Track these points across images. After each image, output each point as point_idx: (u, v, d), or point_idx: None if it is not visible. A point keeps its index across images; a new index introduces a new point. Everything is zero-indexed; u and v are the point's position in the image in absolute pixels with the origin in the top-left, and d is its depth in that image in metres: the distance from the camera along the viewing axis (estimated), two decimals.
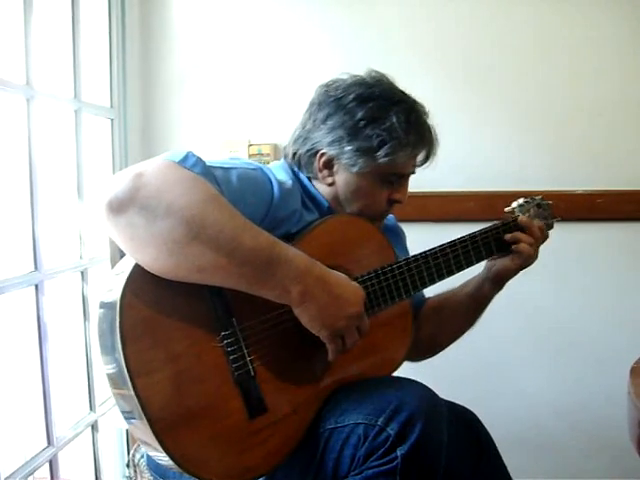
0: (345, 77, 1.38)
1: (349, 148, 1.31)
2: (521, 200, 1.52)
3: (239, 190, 1.18)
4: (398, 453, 1.12)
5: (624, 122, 2.21)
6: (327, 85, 1.38)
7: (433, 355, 1.57)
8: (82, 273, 1.90)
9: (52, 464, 1.69)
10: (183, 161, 1.11)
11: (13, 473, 1.54)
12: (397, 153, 1.31)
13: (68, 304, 1.89)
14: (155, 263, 1.07)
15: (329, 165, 1.35)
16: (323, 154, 1.34)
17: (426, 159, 1.40)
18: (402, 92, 1.37)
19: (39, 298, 1.65)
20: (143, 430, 1.08)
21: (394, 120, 1.30)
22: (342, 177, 1.35)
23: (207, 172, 1.13)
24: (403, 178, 1.38)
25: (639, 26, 2.20)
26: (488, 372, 2.27)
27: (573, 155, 2.22)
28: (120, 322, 1.05)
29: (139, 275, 1.08)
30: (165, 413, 1.07)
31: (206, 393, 1.12)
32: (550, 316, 2.26)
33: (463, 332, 1.53)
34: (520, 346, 2.28)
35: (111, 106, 2.10)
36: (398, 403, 1.15)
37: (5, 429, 1.61)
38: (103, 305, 1.12)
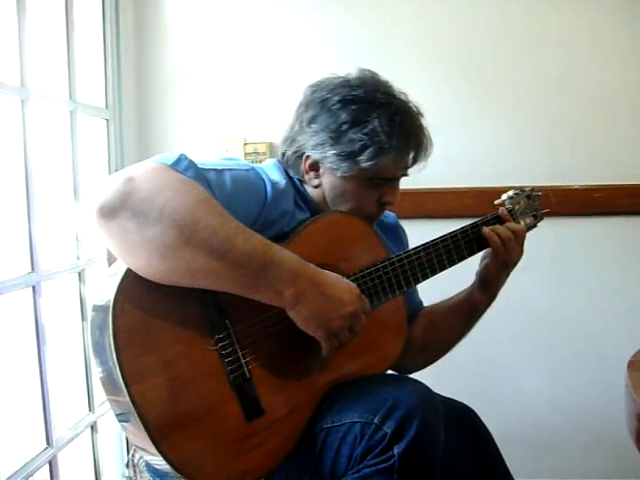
0: (332, 77, 1.36)
1: (332, 152, 1.30)
2: (511, 192, 1.51)
3: (232, 192, 1.17)
4: (395, 451, 1.12)
5: (621, 116, 2.21)
6: (314, 86, 1.36)
7: (426, 365, 1.55)
8: (79, 274, 1.90)
9: (52, 465, 1.68)
10: (175, 164, 1.11)
11: (13, 475, 1.54)
12: (379, 157, 1.29)
13: (65, 305, 1.89)
14: (147, 268, 1.07)
15: (315, 167, 1.34)
16: (308, 157, 1.33)
17: (414, 162, 1.37)
18: (389, 93, 1.34)
19: (36, 299, 1.65)
20: (139, 435, 1.08)
21: (376, 124, 1.28)
22: (328, 180, 1.34)
23: (199, 175, 1.13)
24: (392, 181, 1.36)
25: (635, 20, 2.19)
26: (486, 369, 2.27)
27: (570, 150, 2.22)
28: (113, 329, 1.05)
29: (131, 280, 1.08)
30: (162, 418, 1.07)
31: (202, 397, 1.12)
32: (548, 311, 2.26)
33: (454, 341, 1.53)
34: (518, 342, 2.28)
35: (106, 107, 2.10)
36: (394, 401, 1.15)
37: (4, 431, 1.60)
38: (96, 308, 1.12)
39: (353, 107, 1.29)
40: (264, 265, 1.09)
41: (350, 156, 1.29)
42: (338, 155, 1.29)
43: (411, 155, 1.35)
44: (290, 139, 1.36)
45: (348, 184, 1.33)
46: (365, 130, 1.28)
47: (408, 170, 1.39)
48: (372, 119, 1.28)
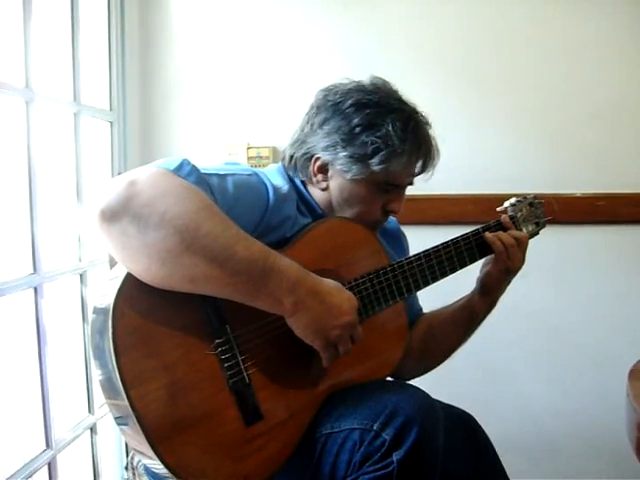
0: (346, 82, 1.36)
1: (343, 154, 1.30)
2: (513, 199, 1.52)
3: (234, 197, 1.17)
4: (394, 458, 1.12)
5: (624, 124, 2.21)
6: (327, 90, 1.37)
7: (425, 372, 1.54)
8: (81, 276, 1.90)
9: (51, 467, 1.68)
10: (178, 169, 1.11)
11: (12, 476, 1.54)
12: (391, 161, 1.29)
13: (67, 307, 1.89)
14: (147, 273, 1.07)
15: (323, 170, 1.34)
16: (318, 158, 1.33)
17: (423, 169, 1.37)
18: (402, 100, 1.35)
19: (38, 301, 1.65)
20: (137, 439, 1.08)
21: (390, 128, 1.28)
22: (336, 183, 1.34)
23: (201, 181, 1.13)
24: (399, 188, 1.36)
25: (639, 27, 2.19)
26: (487, 375, 2.27)
27: (573, 158, 2.22)
28: (113, 332, 1.05)
29: (132, 283, 1.08)
30: (160, 423, 1.07)
31: (201, 402, 1.11)
32: (549, 319, 2.26)
33: (453, 348, 1.52)
34: (519, 349, 2.28)
35: (110, 109, 2.11)
36: (394, 408, 1.15)
37: (4, 432, 1.60)
38: (96, 311, 1.12)
39: (367, 111, 1.30)
40: (264, 273, 1.09)
41: (362, 158, 1.29)
42: (350, 157, 1.30)
43: (420, 162, 1.36)
44: (300, 141, 1.36)
45: (357, 188, 1.33)
46: (378, 134, 1.28)
47: (415, 178, 1.39)
48: (386, 123, 1.29)
